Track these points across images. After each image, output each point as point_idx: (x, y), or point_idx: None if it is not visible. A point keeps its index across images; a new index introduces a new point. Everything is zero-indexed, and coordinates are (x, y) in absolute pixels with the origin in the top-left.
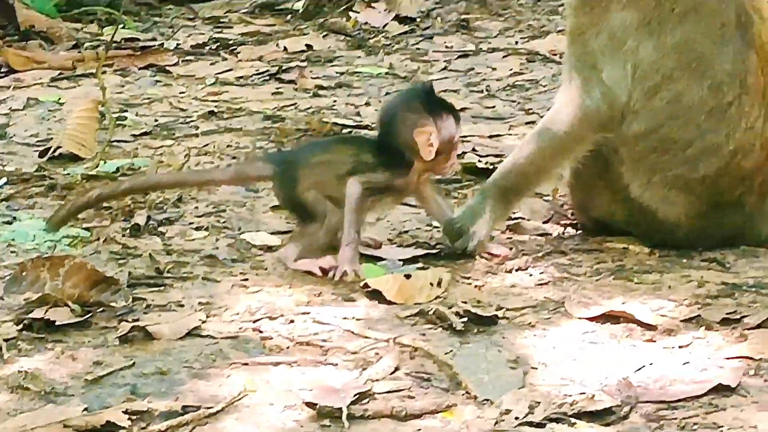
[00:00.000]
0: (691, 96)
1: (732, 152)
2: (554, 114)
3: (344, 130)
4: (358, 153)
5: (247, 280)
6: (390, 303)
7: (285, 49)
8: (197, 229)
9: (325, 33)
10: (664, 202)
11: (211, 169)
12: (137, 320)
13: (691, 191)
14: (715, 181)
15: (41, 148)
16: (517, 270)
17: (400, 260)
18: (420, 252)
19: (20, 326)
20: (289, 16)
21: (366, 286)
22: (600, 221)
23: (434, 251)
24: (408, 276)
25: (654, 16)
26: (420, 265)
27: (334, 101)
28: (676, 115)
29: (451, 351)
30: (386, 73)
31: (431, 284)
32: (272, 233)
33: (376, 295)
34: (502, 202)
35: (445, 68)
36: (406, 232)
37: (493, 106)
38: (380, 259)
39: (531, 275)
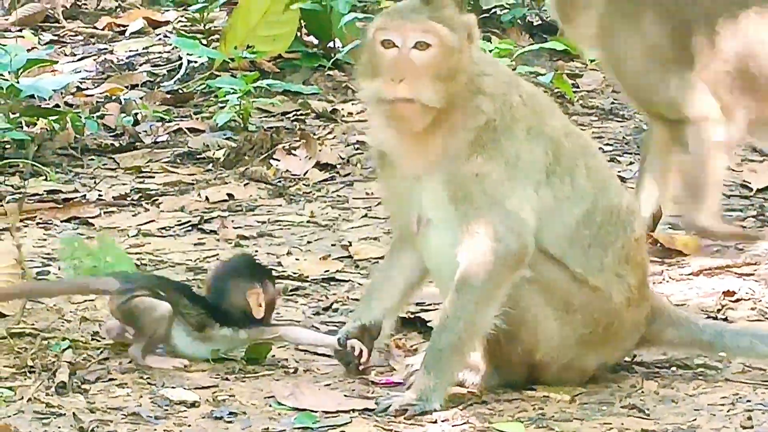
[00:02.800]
0: (595, 164)
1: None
2: (469, 269)
3: None
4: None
5: None
6: None
7: (207, 198)
8: (120, 385)
9: (246, 182)
10: (619, 279)
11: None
12: None
13: (628, 258)
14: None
15: None
16: (441, 421)
17: (324, 412)
18: (340, 400)
19: None
20: (210, 165)
21: None
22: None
23: (355, 401)
24: None
25: (533, 119)
26: (345, 418)
27: (256, 251)
28: (598, 186)
29: None
30: (307, 222)
31: None
32: (196, 388)
33: None
34: (447, 368)
35: (365, 215)
36: (328, 385)
37: None
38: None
39: (453, 426)
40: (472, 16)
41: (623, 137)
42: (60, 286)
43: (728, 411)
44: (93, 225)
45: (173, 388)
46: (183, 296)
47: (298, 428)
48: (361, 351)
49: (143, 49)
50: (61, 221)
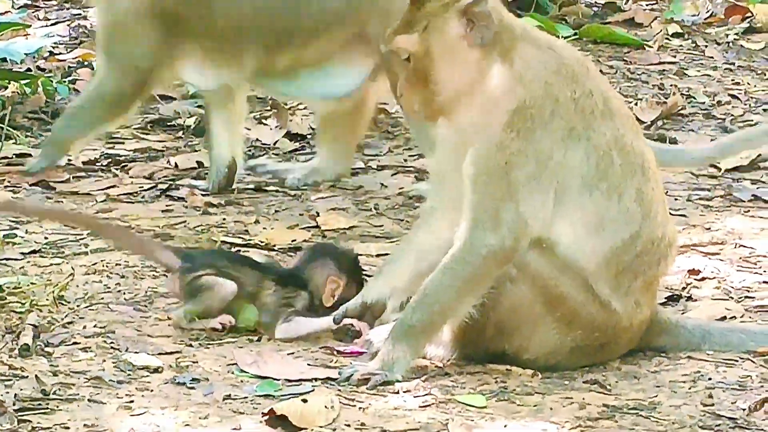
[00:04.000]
0: (647, 189)
1: (668, 242)
2: (458, 254)
3: (233, 249)
4: (262, 279)
5: (132, 401)
6: (275, 427)
7: (176, 165)
8: (84, 349)
9: None
10: (636, 306)
11: (127, 232)
12: None
13: (650, 287)
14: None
15: None
16: (403, 392)
17: (287, 380)
18: (303, 368)
19: None
20: (180, 133)
21: (272, 411)
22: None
23: (318, 370)
24: (304, 400)
25: (578, 121)
26: (308, 386)
27: (224, 219)
28: (647, 213)
29: None
30: (276, 191)
31: (326, 407)
32: (159, 354)
33: (276, 421)
34: (413, 343)
35: (333, 186)
36: (292, 353)
37: (381, 225)
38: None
39: (415, 397)
40: None
41: None
42: (130, 238)
43: (689, 388)
44: (58, 190)
45: (136, 353)
46: (240, 264)
47: (260, 395)
48: (359, 331)
49: None
50: (30, 185)
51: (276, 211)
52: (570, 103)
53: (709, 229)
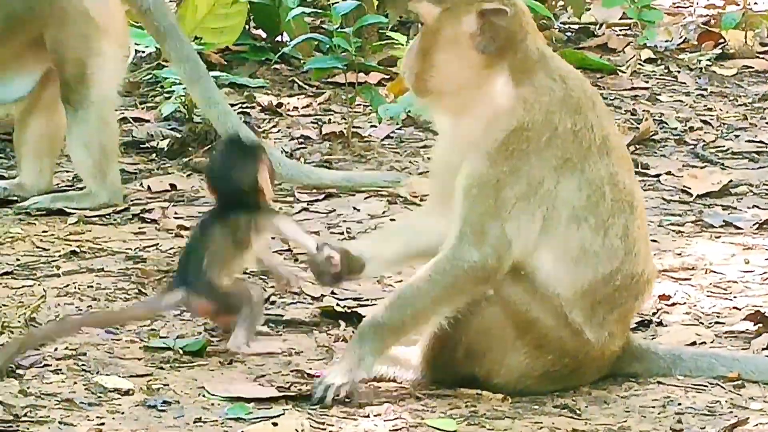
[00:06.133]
0: (633, 226)
1: (647, 279)
2: (440, 263)
3: None
4: (225, 224)
5: (103, 424)
6: None
7: (149, 188)
8: (55, 371)
9: (189, 172)
10: (609, 338)
11: (127, 309)
12: None
13: (624, 319)
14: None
15: None
16: (374, 416)
17: (258, 403)
18: (274, 392)
19: None
20: (153, 155)
21: None
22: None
23: (289, 392)
24: (275, 423)
25: (574, 153)
26: (278, 410)
27: None
28: (629, 249)
29: None
30: None
31: (296, 430)
32: (130, 376)
33: None
34: (379, 341)
35: (306, 209)
36: (263, 376)
37: None
38: (241, 398)
39: (386, 421)
40: (507, 10)
41: None
42: (131, 312)
43: (659, 413)
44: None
45: (108, 375)
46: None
47: (231, 419)
48: (337, 273)
49: None
50: (2, 206)
51: None
52: (569, 134)
53: (680, 254)
